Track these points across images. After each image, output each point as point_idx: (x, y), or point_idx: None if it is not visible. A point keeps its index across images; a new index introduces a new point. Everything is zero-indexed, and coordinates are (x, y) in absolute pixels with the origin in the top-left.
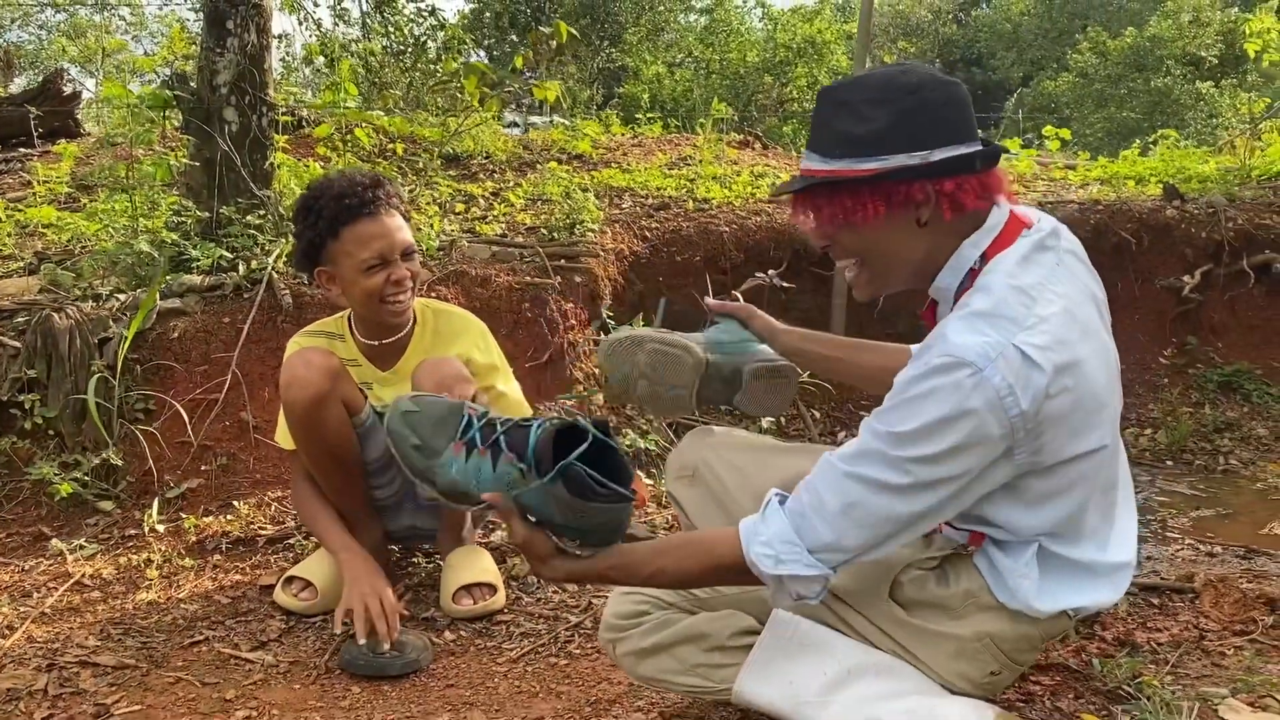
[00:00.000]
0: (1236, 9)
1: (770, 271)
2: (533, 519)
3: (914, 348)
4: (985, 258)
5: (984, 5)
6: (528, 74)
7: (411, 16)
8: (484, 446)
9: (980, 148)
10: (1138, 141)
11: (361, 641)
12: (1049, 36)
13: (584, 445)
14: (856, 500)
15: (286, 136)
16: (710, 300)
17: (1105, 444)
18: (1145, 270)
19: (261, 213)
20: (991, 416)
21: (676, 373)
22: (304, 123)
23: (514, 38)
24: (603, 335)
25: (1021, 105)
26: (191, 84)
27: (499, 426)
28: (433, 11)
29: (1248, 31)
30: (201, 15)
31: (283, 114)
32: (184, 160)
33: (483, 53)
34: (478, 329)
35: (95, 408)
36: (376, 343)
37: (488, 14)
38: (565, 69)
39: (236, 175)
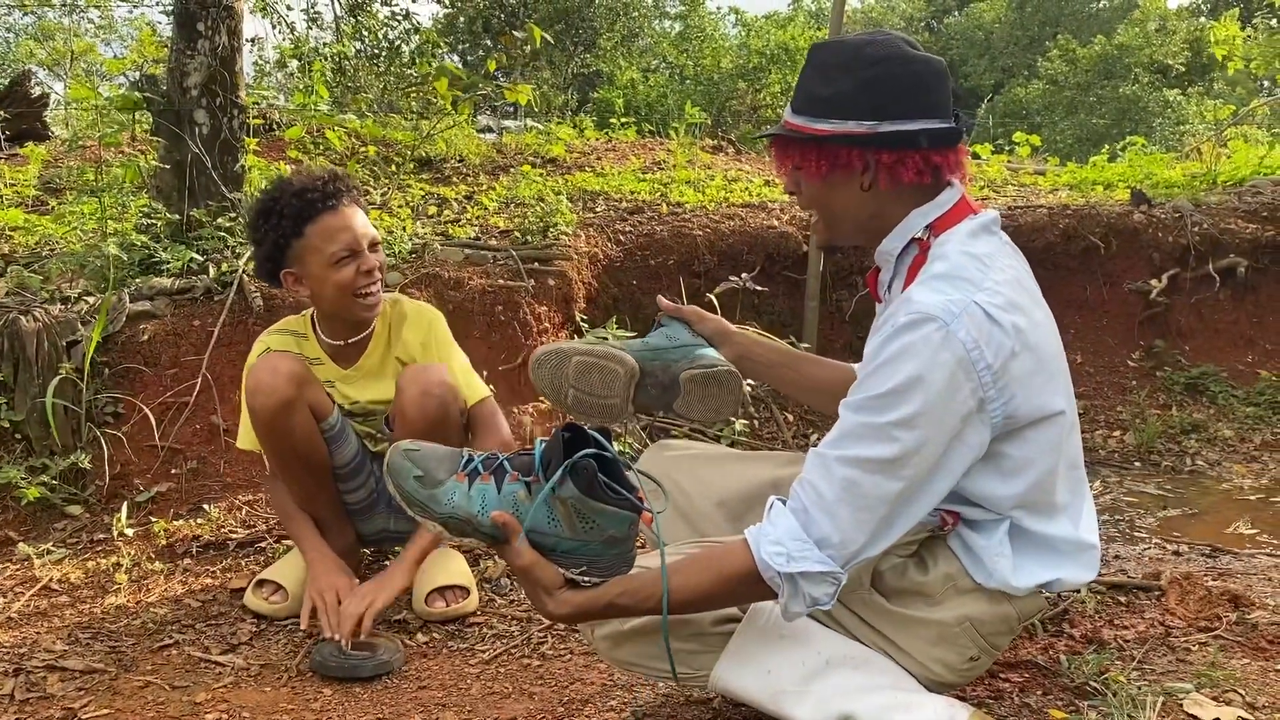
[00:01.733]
0: (1203, 19)
1: (744, 275)
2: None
3: (855, 366)
4: (933, 230)
5: (956, 13)
6: (500, 78)
7: (385, 20)
8: (487, 473)
9: (935, 126)
10: (1107, 147)
11: (327, 636)
12: (1020, 44)
13: (590, 448)
14: (851, 483)
15: (257, 139)
16: (662, 299)
17: (1066, 410)
18: (1113, 274)
19: (232, 215)
20: (961, 371)
21: (606, 383)
22: (275, 125)
23: (488, 43)
24: (576, 338)
25: (993, 112)
26: (162, 86)
27: (501, 456)
28: (407, 15)
29: (1213, 39)
30: (172, 18)
31: (254, 117)
32: (154, 163)
33: (456, 57)
34: (426, 318)
35: (61, 410)
36: (341, 342)
37: (461, 19)
38: (539, 74)
39: (207, 178)
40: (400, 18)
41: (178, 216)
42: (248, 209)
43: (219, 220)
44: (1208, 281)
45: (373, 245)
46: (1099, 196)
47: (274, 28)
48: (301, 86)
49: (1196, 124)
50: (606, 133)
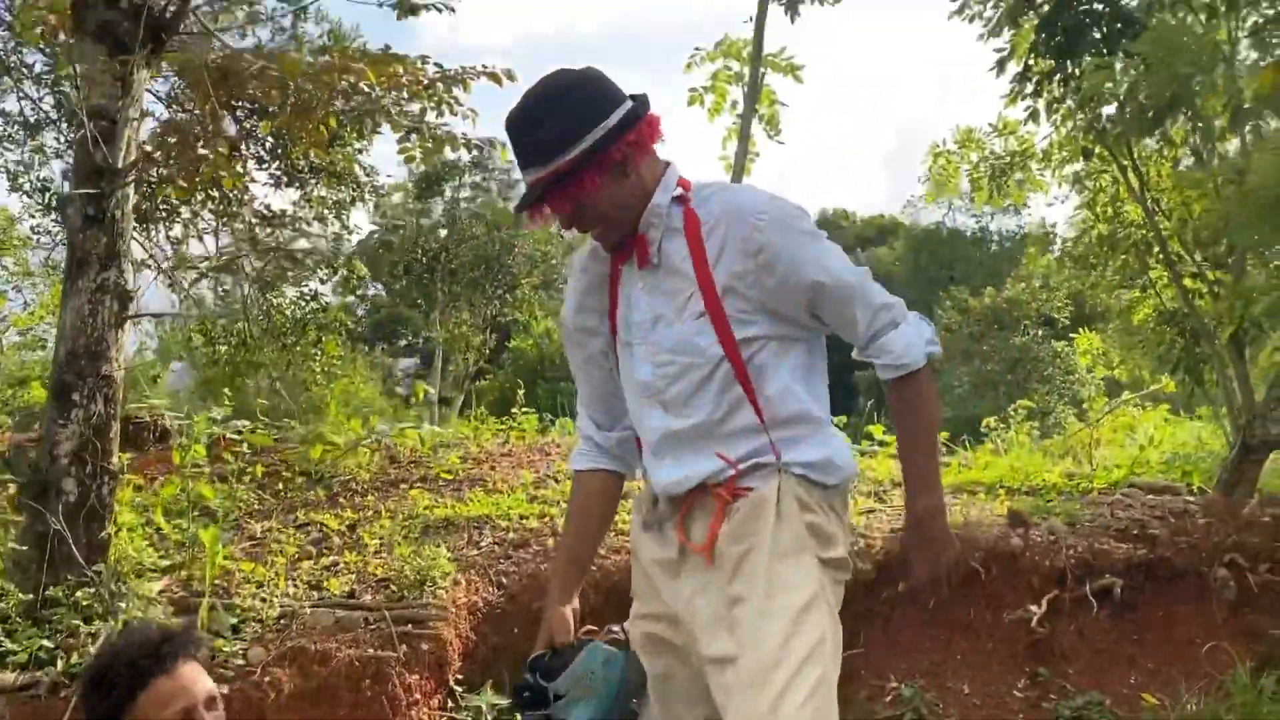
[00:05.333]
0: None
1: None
2: None
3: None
4: (684, 188)
5: (859, 251)
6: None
7: (293, 300)
8: None
9: (631, 100)
10: (991, 425)
11: None
12: (918, 285)
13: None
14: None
15: (150, 448)
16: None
17: None
18: (995, 598)
19: (91, 590)
20: None
21: None
22: (166, 434)
23: (403, 284)
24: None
25: None
26: (30, 455)
27: None
28: (315, 296)
29: (1079, 347)
30: (48, 390)
31: (145, 425)
32: (11, 546)
33: (380, 287)
34: None
35: None
36: None
37: (385, 259)
38: (459, 314)
39: (69, 549)
40: (308, 298)
41: (31, 596)
42: (121, 573)
43: (78, 594)
44: (1086, 603)
45: (209, 702)
46: (979, 508)
47: (181, 303)
48: (200, 386)
49: (1084, 374)
50: (505, 423)
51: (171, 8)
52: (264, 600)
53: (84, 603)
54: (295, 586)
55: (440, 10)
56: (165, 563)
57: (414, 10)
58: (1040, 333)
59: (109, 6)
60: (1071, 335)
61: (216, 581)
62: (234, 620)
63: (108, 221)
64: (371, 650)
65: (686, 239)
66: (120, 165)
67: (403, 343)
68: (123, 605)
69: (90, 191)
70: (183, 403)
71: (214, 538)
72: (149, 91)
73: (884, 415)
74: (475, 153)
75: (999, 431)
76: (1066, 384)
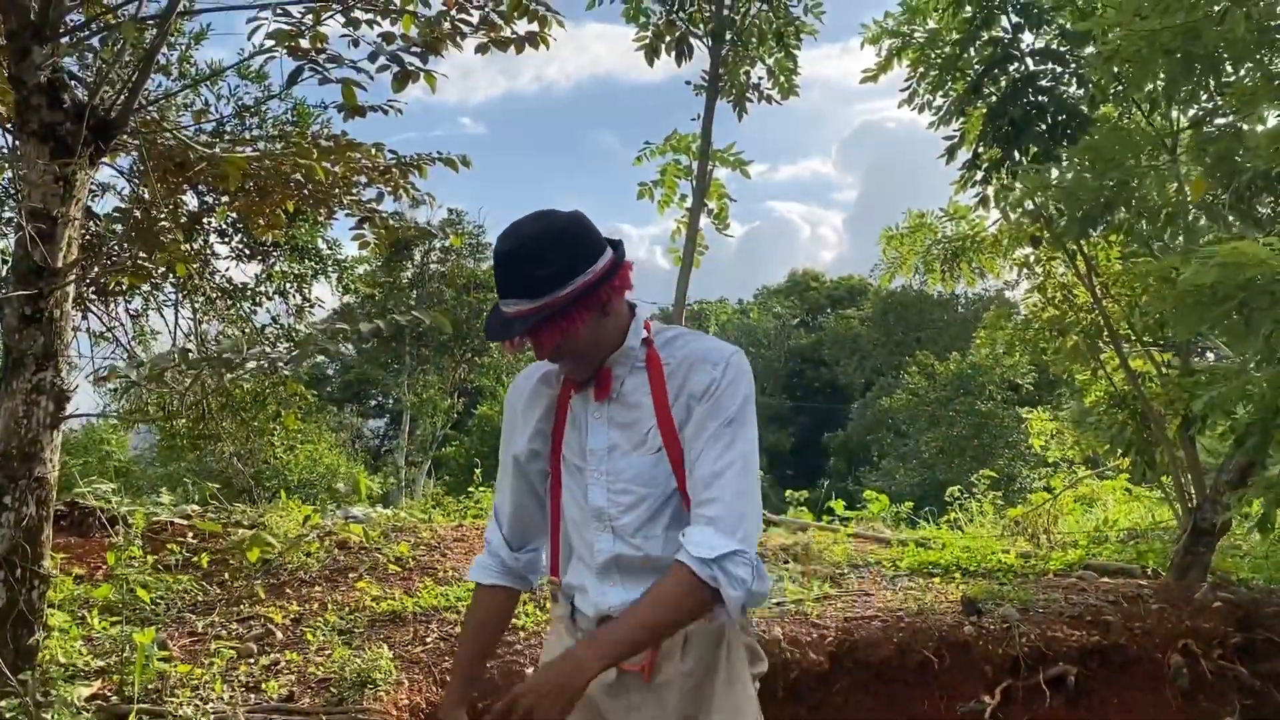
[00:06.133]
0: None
1: None
2: None
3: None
4: (645, 328)
5: (828, 310)
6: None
7: (250, 374)
8: None
9: (611, 246)
10: (953, 493)
11: None
12: (886, 347)
13: None
14: (745, 472)
15: (97, 534)
16: None
17: None
18: (949, 687)
19: (16, 700)
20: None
21: None
22: (115, 521)
23: (372, 344)
24: None
25: (864, 415)
26: None
27: None
28: (274, 370)
29: (1031, 429)
30: None
31: (89, 512)
32: None
33: (350, 347)
34: None
35: None
36: None
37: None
38: (427, 378)
39: None
40: (267, 372)
41: None
42: (49, 678)
43: (2, 704)
44: (1041, 692)
45: None
46: (933, 594)
47: (122, 393)
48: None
49: (1050, 440)
50: (462, 502)
51: (116, 109)
52: (197, 706)
53: (8, 714)
54: (232, 689)
55: (386, 112)
56: (99, 663)
57: (360, 112)
58: (1004, 398)
59: (53, 108)
60: (1037, 401)
61: (150, 686)
62: None
63: (45, 322)
64: None
65: (649, 378)
66: (59, 265)
67: (372, 403)
68: (48, 716)
69: (28, 293)
70: (145, 463)
71: (147, 641)
72: (107, 165)
73: (857, 480)
74: (436, 234)
75: (962, 501)
76: (1031, 449)
